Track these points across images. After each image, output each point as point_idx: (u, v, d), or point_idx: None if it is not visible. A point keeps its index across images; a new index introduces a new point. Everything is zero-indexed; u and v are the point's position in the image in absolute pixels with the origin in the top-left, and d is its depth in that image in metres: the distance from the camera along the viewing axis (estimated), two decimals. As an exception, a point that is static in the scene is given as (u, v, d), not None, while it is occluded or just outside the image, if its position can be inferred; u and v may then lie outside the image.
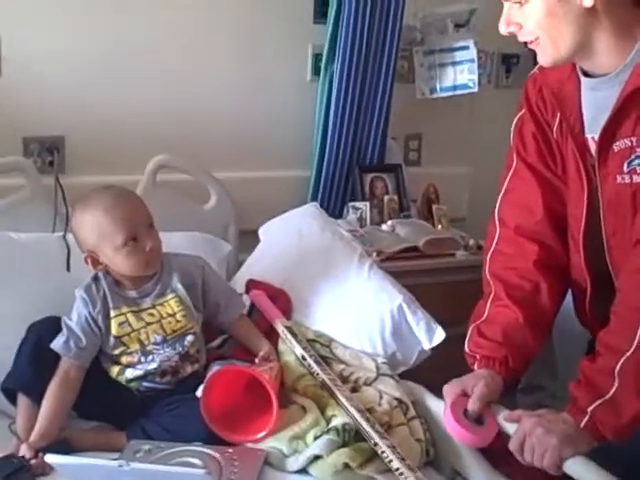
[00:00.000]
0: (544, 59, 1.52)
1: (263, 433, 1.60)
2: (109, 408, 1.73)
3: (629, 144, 1.49)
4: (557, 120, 1.65)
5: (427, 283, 2.42)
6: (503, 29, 1.51)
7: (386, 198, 2.78)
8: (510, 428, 1.51)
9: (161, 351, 1.75)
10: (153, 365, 1.74)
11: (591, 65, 1.53)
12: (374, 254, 2.41)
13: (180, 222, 2.26)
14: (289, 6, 2.70)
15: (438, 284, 2.47)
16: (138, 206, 1.79)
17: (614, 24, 1.46)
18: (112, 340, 1.75)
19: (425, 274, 2.48)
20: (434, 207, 2.81)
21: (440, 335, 1.93)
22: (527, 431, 1.44)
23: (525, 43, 1.53)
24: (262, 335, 1.89)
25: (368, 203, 2.72)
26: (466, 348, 1.69)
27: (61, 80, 2.42)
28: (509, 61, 3.14)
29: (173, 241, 1.98)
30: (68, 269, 2.05)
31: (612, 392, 1.39)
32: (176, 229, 2.17)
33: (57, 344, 1.70)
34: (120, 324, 1.75)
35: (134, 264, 1.74)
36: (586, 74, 1.56)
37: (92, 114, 2.46)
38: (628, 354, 1.38)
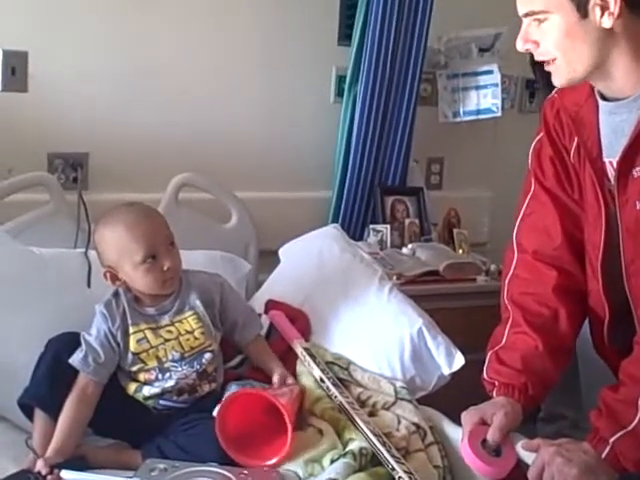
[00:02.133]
0: (559, 80, 1.50)
1: (275, 459, 1.58)
2: (125, 425, 1.72)
3: None
4: (574, 144, 1.63)
5: (447, 308, 2.41)
6: (520, 46, 1.50)
7: (407, 221, 2.78)
8: (528, 457, 1.49)
9: (179, 368, 1.75)
10: (170, 383, 1.74)
11: (608, 87, 1.52)
12: (394, 277, 2.41)
13: (201, 241, 2.26)
14: (314, 28, 2.72)
15: (458, 309, 2.46)
16: (159, 224, 1.79)
17: (632, 47, 1.45)
18: (130, 357, 1.74)
19: (445, 298, 2.47)
20: (455, 231, 2.80)
21: (460, 360, 1.91)
22: (546, 460, 1.41)
23: (541, 63, 1.52)
24: (276, 358, 1.87)
25: (389, 226, 2.72)
26: (484, 375, 1.67)
27: (86, 97, 2.44)
28: (533, 86, 3.14)
29: (193, 259, 1.99)
30: (89, 285, 2.05)
31: (635, 423, 1.36)
32: (197, 247, 2.17)
33: (75, 359, 1.70)
34: (138, 341, 1.75)
35: (152, 282, 1.74)
36: (604, 97, 1.55)
37: (116, 132, 2.48)
38: None
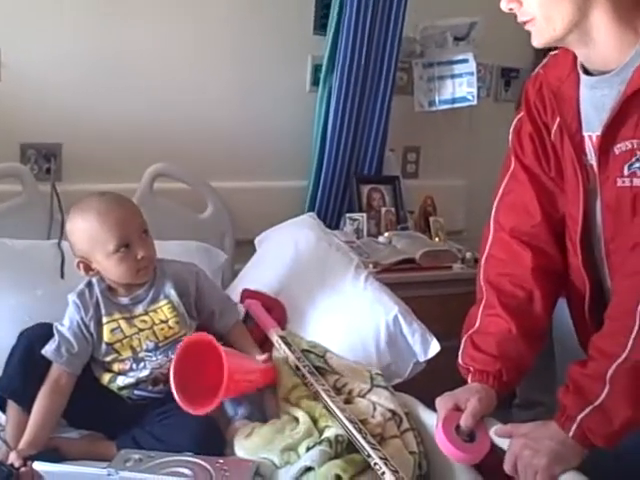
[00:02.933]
0: (539, 39, 1.49)
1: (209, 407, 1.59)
2: (100, 416, 1.71)
3: (630, 147, 1.46)
4: (557, 121, 1.62)
5: (423, 295, 2.41)
6: (504, 5, 1.48)
7: (383, 210, 2.78)
8: (502, 443, 1.49)
9: (153, 358, 1.74)
10: (145, 372, 1.73)
11: (589, 56, 1.50)
12: (370, 266, 2.41)
13: (176, 231, 2.25)
14: (289, 17, 2.70)
15: (434, 296, 2.46)
16: (132, 213, 1.77)
17: (613, 8, 1.43)
18: (104, 347, 1.73)
19: (421, 286, 2.47)
20: (431, 219, 2.81)
21: (435, 347, 1.92)
22: (516, 454, 1.42)
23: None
24: (255, 344, 1.87)
25: (365, 214, 2.72)
26: (460, 360, 1.66)
27: (60, 87, 2.42)
28: (508, 74, 3.15)
29: (169, 250, 1.98)
30: (62, 276, 2.04)
31: (602, 398, 1.36)
32: (172, 238, 2.17)
33: (48, 350, 1.69)
34: (112, 330, 1.74)
35: (125, 271, 1.73)
36: (587, 72, 1.54)
37: (90, 122, 2.46)
38: (620, 359, 1.35)
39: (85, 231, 1.72)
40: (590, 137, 1.55)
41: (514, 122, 1.73)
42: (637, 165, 1.46)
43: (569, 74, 1.57)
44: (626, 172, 1.48)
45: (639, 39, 1.44)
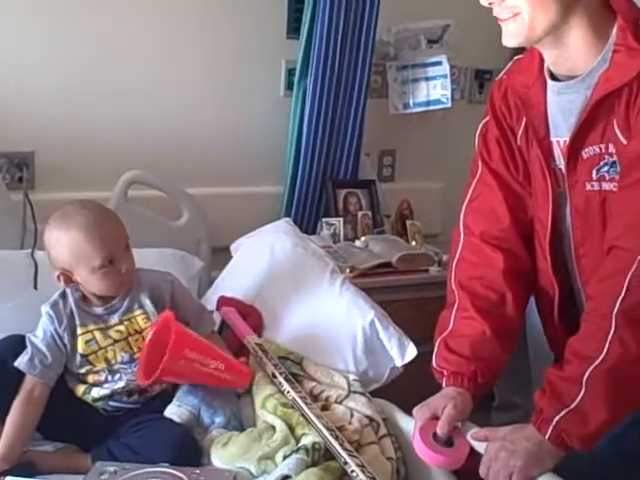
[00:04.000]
0: (515, 37, 1.46)
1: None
2: (74, 428, 1.69)
3: (598, 151, 1.48)
4: (522, 125, 1.63)
5: (400, 299, 2.41)
6: None
7: (360, 214, 2.77)
8: (480, 447, 1.49)
9: (128, 370, 1.72)
10: (120, 384, 1.71)
11: (559, 59, 1.50)
12: (347, 270, 2.41)
13: (152, 238, 2.23)
14: (262, 21, 2.69)
15: (411, 300, 2.46)
16: (117, 227, 1.75)
17: (590, 19, 1.44)
18: (78, 358, 1.72)
19: (398, 290, 2.47)
20: (408, 223, 2.81)
21: (412, 352, 1.92)
22: (492, 456, 1.42)
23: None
24: (231, 354, 1.86)
25: (342, 219, 2.72)
26: (434, 363, 1.66)
27: (31, 95, 2.40)
28: (482, 77, 3.15)
29: (145, 258, 1.95)
30: (35, 287, 2.02)
31: (578, 400, 1.36)
32: (148, 245, 2.15)
33: (21, 362, 1.67)
34: (87, 342, 1.72)
35: (108, 285, 1.72)
36: (553, 78, 1.55)
37: (62, 129, 2.44)
38: (597, 362, 1.36)
39: (68, 245, 1.69)
40: (558, 142, 1.55)
41: (480, 127, 1.74)
42: (605, 169, 1.47)
43: (535, 80, 1.58)
44: (594, 176, 1.49)
45: (605, 45, 1.45)
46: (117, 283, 1.73)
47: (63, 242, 1.70)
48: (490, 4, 1.46)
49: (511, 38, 1.47)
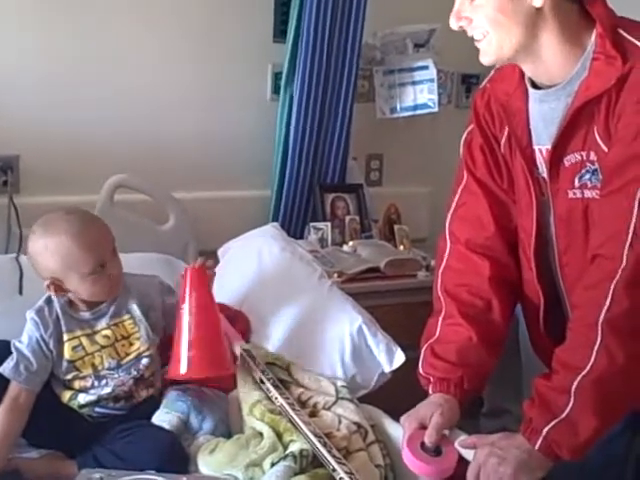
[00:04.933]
0: (487, 57, 1.51)
1: None
2: (60, 435, 1.68)
3: (580, 158, 1.49)
4: (505, 133, 1.64)
5: (388, 304, 2.41)
6: (454, 23, 1.50)
7: (347, 218, 2.77)
8: (467, 454, 1.49)
9: (115, 375, 1.71)
10: (107, 390, 1.70)
11: (537, 70, 1.52)
12: (335, 275, 2.40)
13: (138, 243, 2.22)
14: (249, 25, 2.69)
15: (399, 305, 2.45)
16: (104, 232, 1.74)
17: (560, 28, 1.46)
18: (65, 364, 1.70)
19: (386, 295, 2.47)
20: (396, 227, 2.81)
21: (400, 358, 1.91)
22: (481, 462, 1.41)
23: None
24: None
25: (329, 223, 2.71)
26: (420, 370, 1.66)
27: (16, 98, 2.38)
28: (469, 81, 3.16)
29: (130, 262, 1.93)
30: (20, 292, 2.00)
31: (567, 411, 1.36)
32: (134, 250, 2.13)
33: (6, 368, 1.65)
34: (73, 348, 1.71)
35: (99, 290, 1.71)
36: (534, 85, 1.56)
37: (48, 133, 2.43)
38: (584, 372, 1.36)
39: (57, 252, 1.67)
40: (540, 150, 1.57)
41: (464, 135, 1.76)
42: (587, 177, 1.48)
43: (516, 88, 1.59)
44: (577, 184, 1.50)
45: (584, 52, 1.46)
46: (107, 288, 1.72)
47: (51, 249, 1.68)
48: (460, 28, 1.50)
49: (484, 57, 1.52)
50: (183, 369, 1.71)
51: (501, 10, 1.44)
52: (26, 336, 1.70)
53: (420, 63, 2.82)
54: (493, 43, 1.47)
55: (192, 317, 1.73)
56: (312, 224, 2.71)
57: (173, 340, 1.75)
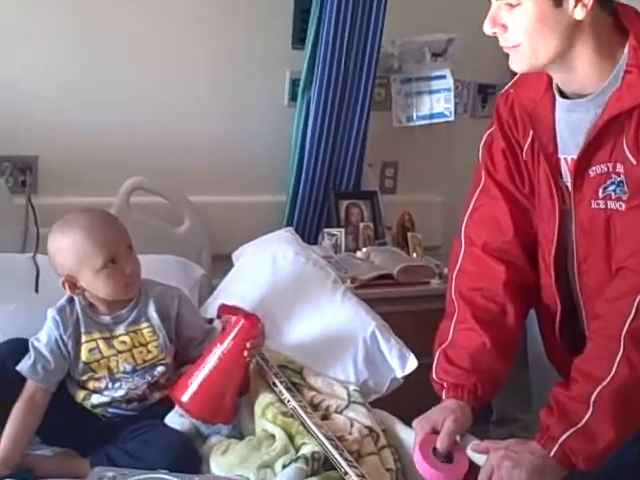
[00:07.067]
0: (520, 65, 1.50)
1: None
2: (73, 433, 1.69)
3: (605, 170, 1.48)
4: (529, 139, 1.63)
5: (401, 311, 2.41)
6: (488, 29, 1.48)
7: (361, 225, 2.78)
8: (480, 459, 1.49)
9: (130, 379, 1.72)
10: (120, 392, 1.71)
11: (568, 81, 1.52)
12: (348, 281, 2.41)
13: (153, 245, 2.22)
14: (268, 31, 2.71)
15: (412, 312, 2.45)
16: (117, 228, 1.75)
17: (596, 40, 1.46)
18: (81, 366, 1.71)
19: (399, 302, 2.47)
20: (409, 235, 2.81)
21: (413, 363, 1.91)
22: (495, 464, 1.41)
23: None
24: None
25: (343, 229, 2.72)
26: (433, 375, 1.65)
27: (36, 99, 2.41)
28: (485, 91, 3.17)
29: (145, 264, 1.93)
30: (37, 290, 2.02)
31: (585, 420, 1.37)
32: (149, 252, 2.13)
33: (24, 367, 1.66)
34: (90, 350, 1.71)
35: (113, 287, 1.71)
36: (562, 94, 1.56)
37: (67, 134, 2.45)
38: (605, 382, 1.37)
39: (71, 248, 1.68)
40: (565, 159, 1.56)
41: (484, 137, 1.74)
42: (612, 188, 1.48)
43: (543, 95, 1.58)
44: (600, 194, 1.50)
45: (616, 65, 1.46)
46: (122, 284, 1.71)
47: (65, 246, 1.70)
48: (493, 34, 1.48)
49: (516, 65, 1.51)
50: (185, 398, 1.68)
51: (541, 20, 1.43)
52: (45, 335, 1.71)
53: (437, 72, 2.82)
54: (527, 52, 1.46)
55: (219, 361, 1.69)
56: (326, 230, 2.72)
57: (194, 362, 1.73)
